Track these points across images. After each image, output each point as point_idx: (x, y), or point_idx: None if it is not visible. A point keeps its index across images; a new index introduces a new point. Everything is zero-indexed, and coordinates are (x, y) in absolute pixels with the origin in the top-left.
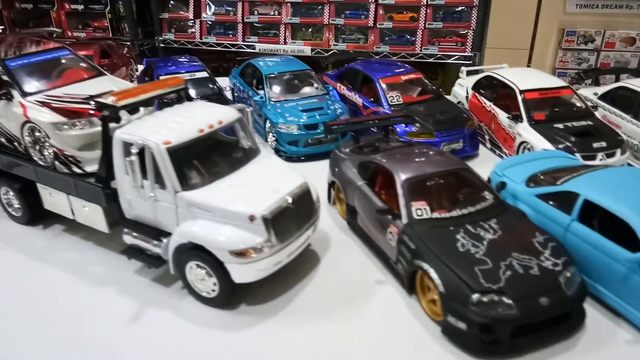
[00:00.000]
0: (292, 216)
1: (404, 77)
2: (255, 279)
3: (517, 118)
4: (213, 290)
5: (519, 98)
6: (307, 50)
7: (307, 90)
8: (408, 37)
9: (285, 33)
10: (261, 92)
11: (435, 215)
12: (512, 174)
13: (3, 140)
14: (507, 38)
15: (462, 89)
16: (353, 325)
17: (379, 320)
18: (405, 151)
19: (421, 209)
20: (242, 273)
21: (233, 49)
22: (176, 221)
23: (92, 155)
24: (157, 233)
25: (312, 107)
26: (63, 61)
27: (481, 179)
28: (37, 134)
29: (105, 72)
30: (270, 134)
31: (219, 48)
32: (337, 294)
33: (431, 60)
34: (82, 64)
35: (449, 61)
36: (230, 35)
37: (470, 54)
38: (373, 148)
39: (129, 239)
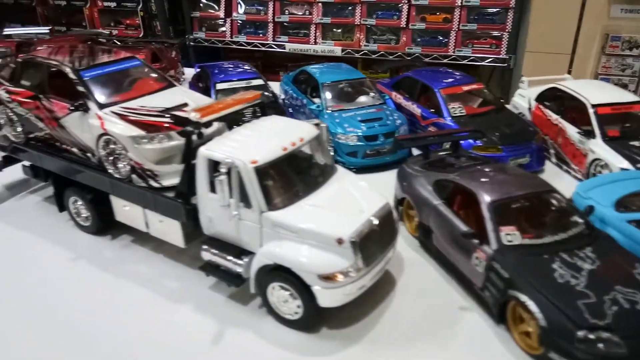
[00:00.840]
0: (377, 238)
1: (465, 88)
2: (341, 303)
3: (589, 134)
4: (296, 313)
5: (591, 112)
6: (337, 51)
7: (363, 99)
8: (440, 38)
9: (315, 33)
10: (317, 100)
11: (526, 241)
12: (598, 196)
13: (75, 150)
14: (548, 42)
15: (523, 99)
16: (442, 355)
17: (469, 350)
18: (484, 169)
19: (511, 234)
20: (328, 297)
21: (263, 49)
22: (259, 241)
23: (169, 169)
24: (238, 251)
25: (371, 117)
26: (134, 71)
27: (570, 203)
28: (112, 146)
29: (175, 83)
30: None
31: (249, 47)
32: (419, 319)
33: (464, 62)
34: (152, 74)
35: (483, 63)
36: (261, 35)
37: (505, 56)
38: (446, 165)
39: (207, 255)
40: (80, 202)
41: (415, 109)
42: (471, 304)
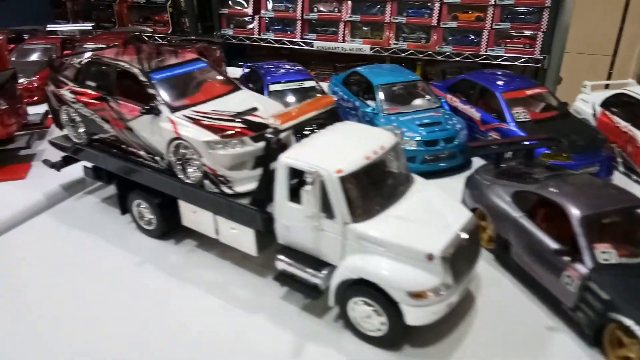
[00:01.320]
0: (465, 254)
1: (528, 92)
2: (429, 322)
3: None
4: (379, 330)
5: None
6: (366, 49)
7: (419, 102)
8: (472, 37)
9: (344, 31)
10: (371, 103)
11: (623, 260)
12: None
13: (142, 153)
14: (589, 43)
15: (586, 105)
16: None
17: None
18: (569, 181)
19: (607, 253)
20: (416, 315)
21: (290, 46)
22: (341, 253)
23: (242, 175)
24: (316, 262)
25: (430, 121)
26: (201, 74)
27: None
28: (183, 151)
29: (240, 86)
30: None
31: (276, 45)
32: (504, 339)
33: (497, 62)
34: (218, 77)
35: (516, 64)
36: (289, 32)
37: (539, 56)
38: (522, 175)
39: (282, 265)
40: (144, 206)
41: (474, 113)
42: (559, 324)
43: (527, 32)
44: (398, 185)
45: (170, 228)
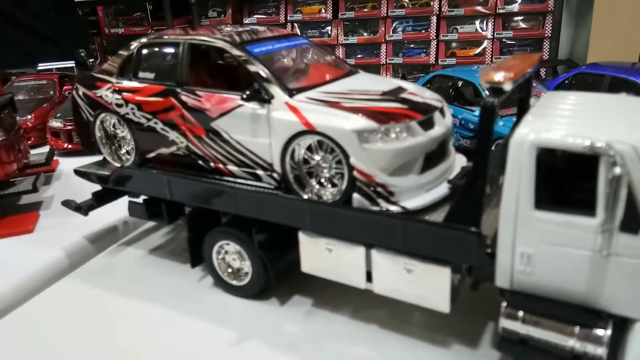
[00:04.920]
0: None
1: None
2: None
3: None
4: None
5: None
6: None
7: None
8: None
9: None
10: (474, 107)
11: None
12: None
13: (234, 169)
14: (611, 54)
15: None
16: None
17: None
18: None
19: None
20: None
21: None
22: None
23: (409, 182)
24: (582, 315)
25: None
26: (307, 52)
27: None
28: (316, 157)
29: (358, 69)
30: None
31: None
32: None
33: None
34: (328, 57)
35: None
36: None
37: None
38: None
39: (514, 325)
40: (234, 249)
41: None
42: None
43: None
44: None
45: (275, 280)
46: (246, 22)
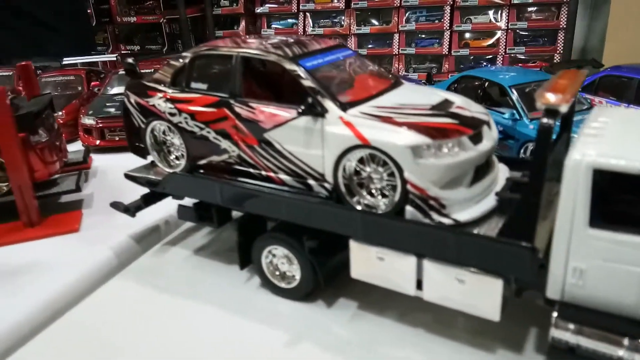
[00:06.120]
0: None
1: None
2: None
3: None
4: None
5: None
6: None
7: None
8: (485, 64)
9: None
10: (503, 109)
11: None
12: None
13: (285, 177)
14: (627, 56)
15: None
16: None
17: None
18: None
19: None
20: None
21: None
22: None
23: (459, 195)
24: (635, 328)
25: None
26: (353, 63)
27: None
28: (368, 169)
29: (402, 80)
30: None
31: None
32: None
33: None
34: (372, 68)
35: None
36: None
37: None
38: None
39: (565, 334)
40: (282, 254)
41: None
42: None
43: (545, 56)
44: None
45: (324, 284)
46: (258, 11)
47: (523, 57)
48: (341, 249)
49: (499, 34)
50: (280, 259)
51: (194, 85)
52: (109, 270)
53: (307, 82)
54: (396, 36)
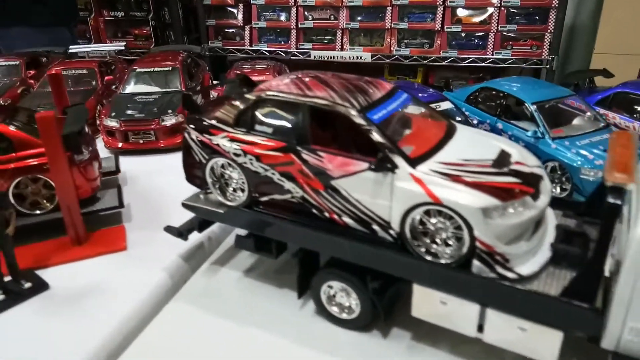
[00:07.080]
0: None
1: None
2: None
3: None
4: None
5: None
6: (366, 57)
7: (581, 121)
8: (477, 41)
9: (342, 39)
10: (526, 125)
11: None
12: None
13: (348, 221)
14: (620, 43)
15: None
16: None
17: None
18: None
19: None
20: None
21: (285, 57)
22: None
23: (521, 250)
24: None
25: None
26: (411, 110)
27: None
28: (433, 220)
29: (453, 122)
30: (559, 180)
31: (270, 55)
32: None
33: (504, 65)
34: (423, 110)
35: (524, 66)
36: (282, 42)
37: (547, 57)
38: None
39: None
40: (341, 287)
41: None
42: None
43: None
44: None
45: (384, 319)
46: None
47: (513, 35)
48: (397, 279)
49: (491, 10)
50: (339, 291)
51: (258, 127)
52: (166, 293)
53: (378, 138)
54: (389, 10)
